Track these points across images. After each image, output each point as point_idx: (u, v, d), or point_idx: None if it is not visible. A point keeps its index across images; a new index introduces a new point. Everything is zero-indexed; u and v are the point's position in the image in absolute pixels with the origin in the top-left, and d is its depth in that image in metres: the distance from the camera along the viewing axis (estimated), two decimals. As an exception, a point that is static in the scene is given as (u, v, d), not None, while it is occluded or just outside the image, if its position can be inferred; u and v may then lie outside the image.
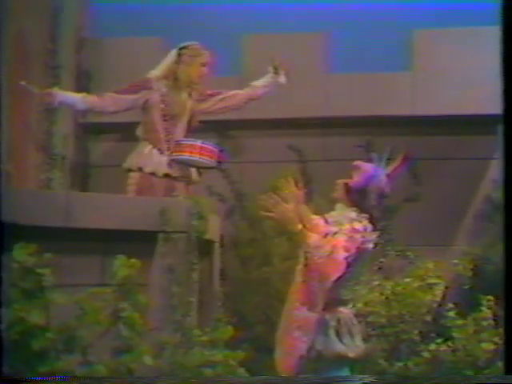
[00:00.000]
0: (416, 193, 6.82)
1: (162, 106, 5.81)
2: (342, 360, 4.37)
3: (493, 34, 6.56)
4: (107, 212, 5.12)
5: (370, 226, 4.42)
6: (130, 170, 5.82)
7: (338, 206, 4.52)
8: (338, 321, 4.39)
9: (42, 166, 6.47)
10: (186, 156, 5.67)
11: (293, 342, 4.37)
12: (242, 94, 6.06)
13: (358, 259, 4.39)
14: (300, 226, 4.33)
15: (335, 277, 4.28)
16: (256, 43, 6.92)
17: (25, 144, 6.32)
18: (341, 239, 4.31)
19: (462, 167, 6.85)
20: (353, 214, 4.42)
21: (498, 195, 6.47)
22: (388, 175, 4.53)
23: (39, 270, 4.33)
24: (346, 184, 4.48)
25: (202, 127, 6.07)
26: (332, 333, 4.36)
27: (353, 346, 4.39)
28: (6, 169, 5.51)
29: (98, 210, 5.11)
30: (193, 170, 5.88)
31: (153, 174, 5.75)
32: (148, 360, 4.44)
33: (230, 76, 6.93)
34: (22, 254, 4.34)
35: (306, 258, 4.33)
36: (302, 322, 4.35)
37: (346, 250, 4.29)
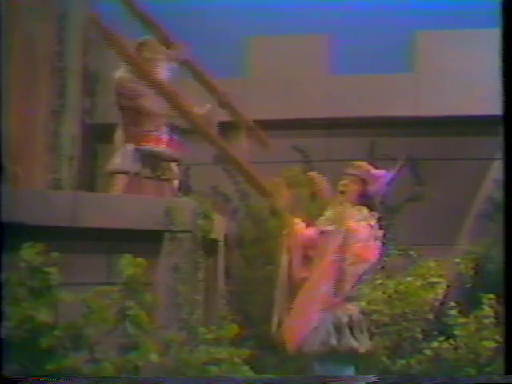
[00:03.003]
0: (418, 193, 6.87)
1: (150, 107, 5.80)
2: (354, 355, 4.49)
3: (495, 36, 6.62)
4: (114, 212, 5.16)
5: (377, 224, 4.58)
6: (114, 173, 5.80)
7: (345, 204, 4.66)
8: (350, 317, 4.50)
9: (50, 166, 6.52)
10: (151, 147, 5.72)
11: (310, 314, 4.48)
12: None
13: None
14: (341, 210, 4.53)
15: (371, 262, 4.48)
16: (260, 45, 6.97)
17: (33, 145, 6.38)
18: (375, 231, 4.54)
19: (464, 167, 6.89)
20: (365, 212, 4.58)
21: (500, 195, 6.52)
22: (393, 177, 4.69)
23: (47, 269, 4.38)
24: (359, 190, 4.63)
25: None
26: (346, 329, 4.47)
27: (363, 342, 4.52)
28: (14, 170, 5.58)
29: (104, 210, 5.15)
30: (173, 167, 5.90)
31: (138, 174, 5.75)
32: (154, 357, 4.47)
33: (234, 78, 7.00)
34: (29, 253, 4.38)
35: (345, 240, 4.48)
36: (324, 298, 4.47)
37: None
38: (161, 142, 5.74)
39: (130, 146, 5.86)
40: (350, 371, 4.53)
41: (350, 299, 4.55)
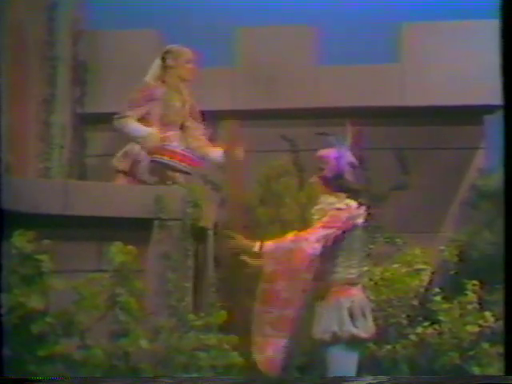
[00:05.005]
0: (404, 181, 6.95)
1: (161, 113, 5.88)
2: (355, 341, 4.51)
3: (480, 27, 6.73)
4: (104, 200, 5.18)
5: (353, 204, 4.59)
6: (120, 172, 5.85)
7: (322, 198, 4.68)
8: (352, 302, 4.54)
9: (41, 155, 6.57)
10: (165, 160, 5.75)
11: (266, 340, 4.50)
12: None
13: (348, 235, 4.56)
14: (257, 246, 4.55)
15: (304, 265, 4.45)
16: (248, 35, 7.01)
17: (24, 134, 6.41)
18: (311, 230, 4.51)
19: (449, 156, 6.97)
20: (331, 199, 4.58)
21: (483, 183, 6.63)
22: (351, 148, 4.69)
23: (38, 257, 4.39)
24: (321, 177, 4.64)
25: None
26: (346, 314, 4.50)
27: (366, 327, 4.55)
28: (5, 158, 5.61)
29: (95, 198, 5.17)
30: (177, 175, 5.91)
31: (144, 181, 5.78)
32: (144, 344, 4.50)
33: (224, 67, 7.05)
34: (21, 240, 4.39)
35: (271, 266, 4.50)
36: (274, 321, 4.48)
37: (326, 227, 4.48)
38: (176, 156, 5.75)
39: (137, 148, 5.84)
40: (354, 358, 4.57)
41: (353, 283, 4.60)
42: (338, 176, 4.61)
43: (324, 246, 4.49)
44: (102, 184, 5.56)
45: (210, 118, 6.76)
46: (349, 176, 4.64)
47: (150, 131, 5.80)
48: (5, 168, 5.32)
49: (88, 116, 7.03)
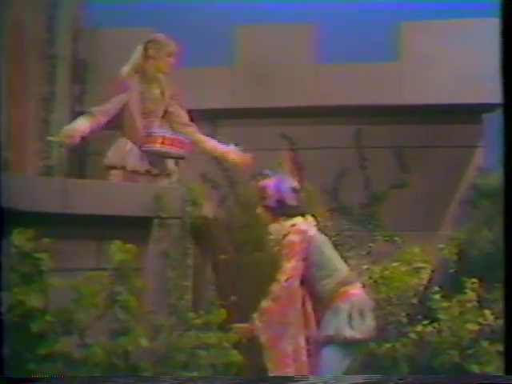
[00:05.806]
0: (403, 180, 6.97)
1: (140, 103, 5.78)
2: (350, 343, 4.53)
3: (479, 26, 6.75)
4: (103, 198, 5.18)
5: (297, 220, 4.62)
6: (112, 167, 5.82)
7: (270, 228, 4.73)
8: (351, 303, 4.55)
9: (40, 153, 6.58)
10: (157, 147, 5.72)
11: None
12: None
13: (312, 248, 4.61)
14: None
15: (291, 306, 4.56)
16: (249, 34, 7.03)
17: (23, 132, 6.43)
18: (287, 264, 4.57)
19: (448, 155, 7.00)
20: (278, 227, 4.63)
21: (482, 182, 6.65)
22: (289, 174, 4.73)
23: (37, 255, 4.35)
24: (265, 207, 4.67)
25: (195, 115, 6.16)
26: (343, 318, 4.52)
27: (362, 327, 4.55)
28: (5, 156, 5.62)
29: (94, 197, 5.16)
30: (169, 162, 5.89)
31: (135, 171, 5.77)
32: (144, 342, 4.48)
33: (223, 66, 7.06)
34: (20, 238, 4.37)
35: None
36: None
37: (289, 259, 4.59)
38: (166, 141, 5.73)
39: (124, 140, 5.82)
40: (346, 359, 4.58)
41: (347, 283, 4.60)
42: (281, 203, 4.65)
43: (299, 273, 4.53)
44: (101, 182, 5.56)
45: (210, 116, 6.79)
46: (292, 201, 4.67)
47: (66, 128, 5.72)
48: (4, 166, 5.33)
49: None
